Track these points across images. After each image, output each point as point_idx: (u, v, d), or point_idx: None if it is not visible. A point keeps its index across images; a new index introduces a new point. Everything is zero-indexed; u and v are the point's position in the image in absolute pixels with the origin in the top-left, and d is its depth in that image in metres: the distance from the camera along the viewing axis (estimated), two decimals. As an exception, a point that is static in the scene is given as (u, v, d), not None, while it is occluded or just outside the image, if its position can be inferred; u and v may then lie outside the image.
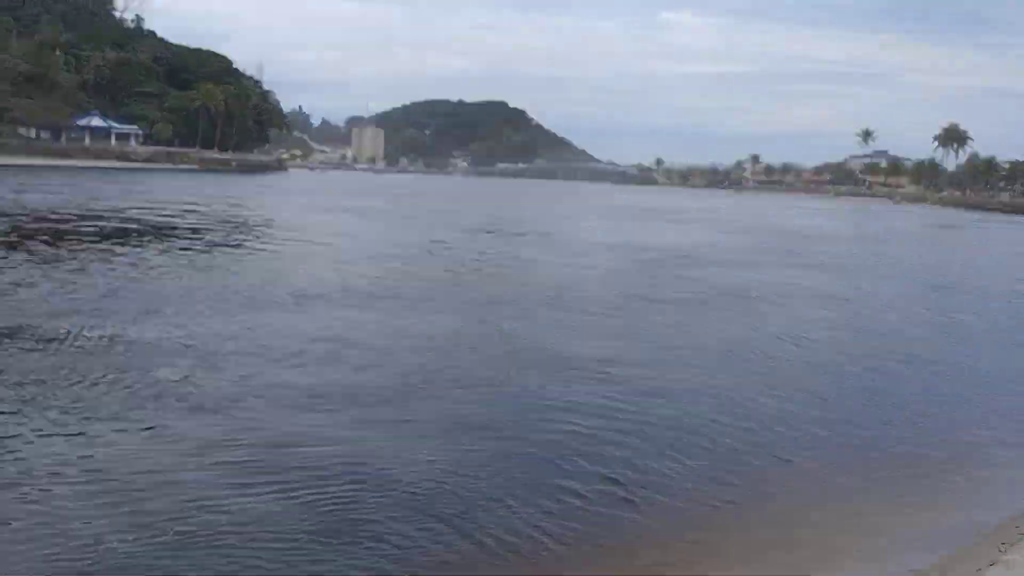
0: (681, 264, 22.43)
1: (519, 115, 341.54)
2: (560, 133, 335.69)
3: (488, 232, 31.80)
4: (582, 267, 20.56)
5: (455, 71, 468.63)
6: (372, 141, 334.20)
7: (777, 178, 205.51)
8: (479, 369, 9.60)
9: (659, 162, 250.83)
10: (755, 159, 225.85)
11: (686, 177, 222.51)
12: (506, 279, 17.53)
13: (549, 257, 22.64)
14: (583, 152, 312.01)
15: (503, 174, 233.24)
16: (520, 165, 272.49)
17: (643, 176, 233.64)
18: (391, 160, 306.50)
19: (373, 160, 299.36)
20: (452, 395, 8.49)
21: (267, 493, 5.98)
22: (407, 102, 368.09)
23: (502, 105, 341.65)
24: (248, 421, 7.34)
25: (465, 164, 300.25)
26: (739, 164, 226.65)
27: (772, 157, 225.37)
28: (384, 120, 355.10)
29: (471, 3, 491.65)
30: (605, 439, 7.62)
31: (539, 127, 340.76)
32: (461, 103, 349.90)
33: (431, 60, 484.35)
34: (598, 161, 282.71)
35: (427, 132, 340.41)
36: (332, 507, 5.89)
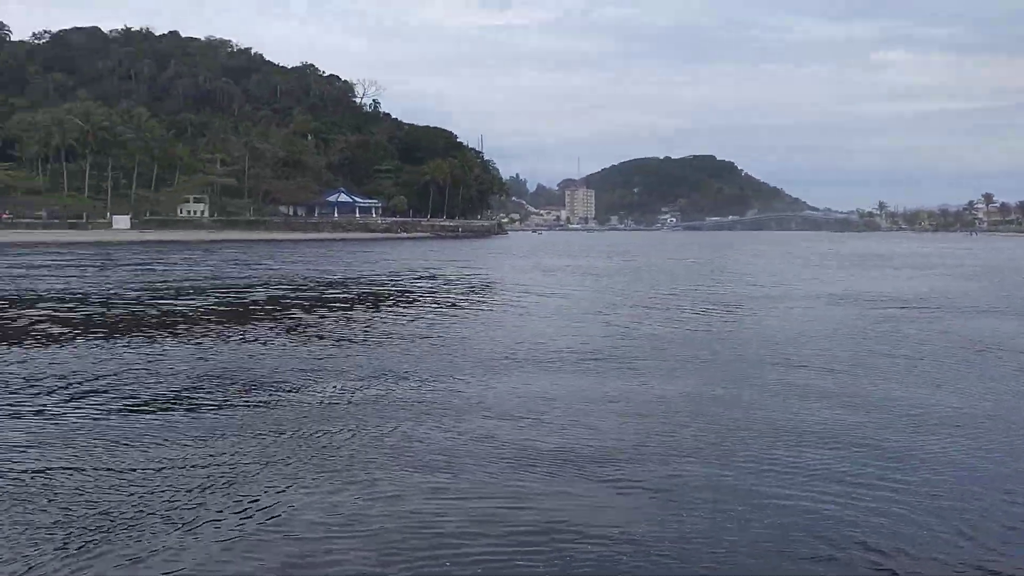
0: (925, 314, 19.56)
1: (728, 167, 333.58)
2: (772, 183, 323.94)
3: (701, 286, 29.97)
4: (808, 320, 18.39)
5: (660, 128, 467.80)
6: (584, 202, 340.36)
7: (1015, 217, 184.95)
8: (704, 433, 8.19)
9: (881, 206, 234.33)
10: (988, 198, 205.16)
11: (912, 221, 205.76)
12: (726, 336, 15.84)
13: (770, 310, 20.56)
14: (796, 201, 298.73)
15: (713, 227, 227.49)
16: (730, 218, 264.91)
17: (865, 222, 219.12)
18: (602, 219, 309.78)
19: (586, 220, 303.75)
20: (675, 459, 7.20)
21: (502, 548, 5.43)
22: (615, 162, 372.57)
23: (710, 159, 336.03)
24: (476, 478, 6.61)
25: (674, 219, 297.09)
26: (971, 205, 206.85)
27: (1007, 195, 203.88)
28: (594, 181, 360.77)
29: (665, 63, 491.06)
30: (853, 507, 6.16)
31: (749, 178, 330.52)
32: (668, 159, 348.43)
33: (635, 120, 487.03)
34: (814, 209, 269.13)
35: (635, 190, 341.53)
36: (569, 564, 5.21)
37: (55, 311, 19.21)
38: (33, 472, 6.81)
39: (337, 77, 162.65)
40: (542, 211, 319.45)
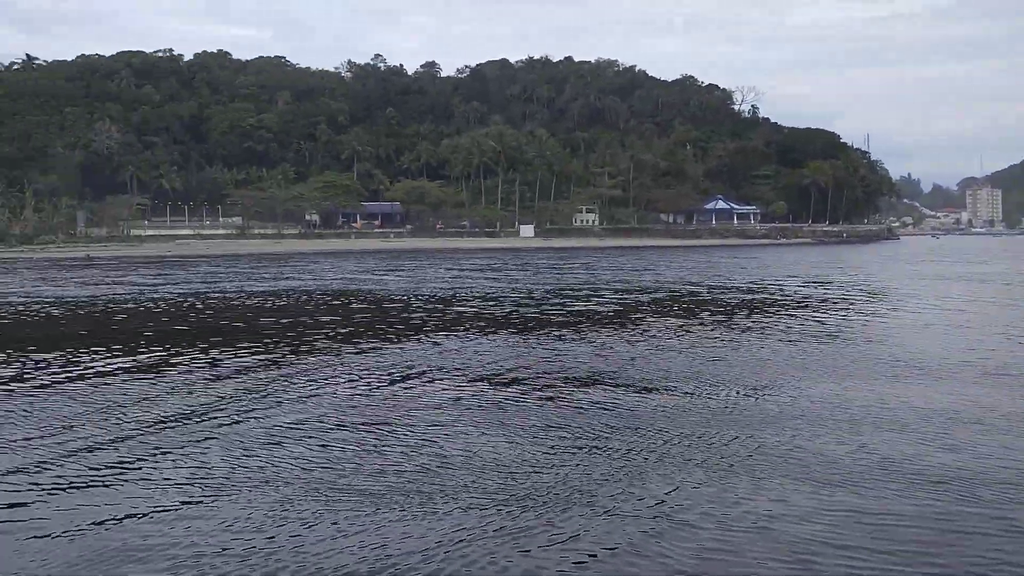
0: None
1: None
2: None
3: None
4: None
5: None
6: (988, 202, 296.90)
7: None
8: None
9: None
10: None
11: None
12: None
13: None
14: None
15: None
16: None
17: None
18: (1012, 220, 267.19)
19: (991, 222, 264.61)
20: None
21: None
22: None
23: None
24: (878, 495, 6.18)
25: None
26: None
27: None
28: (1000, 179, 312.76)
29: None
30: None
31: None
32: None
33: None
34: None
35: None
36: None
37: (480, 309, 21.77)
38: (456, 443, 7.84)
39: (716, 86, 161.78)
40: (938, 213, 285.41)
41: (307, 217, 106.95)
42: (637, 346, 14.51)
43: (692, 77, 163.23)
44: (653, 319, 19.07)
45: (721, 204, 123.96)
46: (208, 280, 34.01)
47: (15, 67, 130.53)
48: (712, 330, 16.79)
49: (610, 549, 5.45)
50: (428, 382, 11.18)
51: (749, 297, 25.48)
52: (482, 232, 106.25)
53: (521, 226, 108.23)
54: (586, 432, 8.45)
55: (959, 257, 60.70)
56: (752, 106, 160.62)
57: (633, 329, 16.96)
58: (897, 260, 55.06)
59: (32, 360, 13.13)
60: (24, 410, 9.48)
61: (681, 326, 17.48)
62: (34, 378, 11.54)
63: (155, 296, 26.00)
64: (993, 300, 24.88)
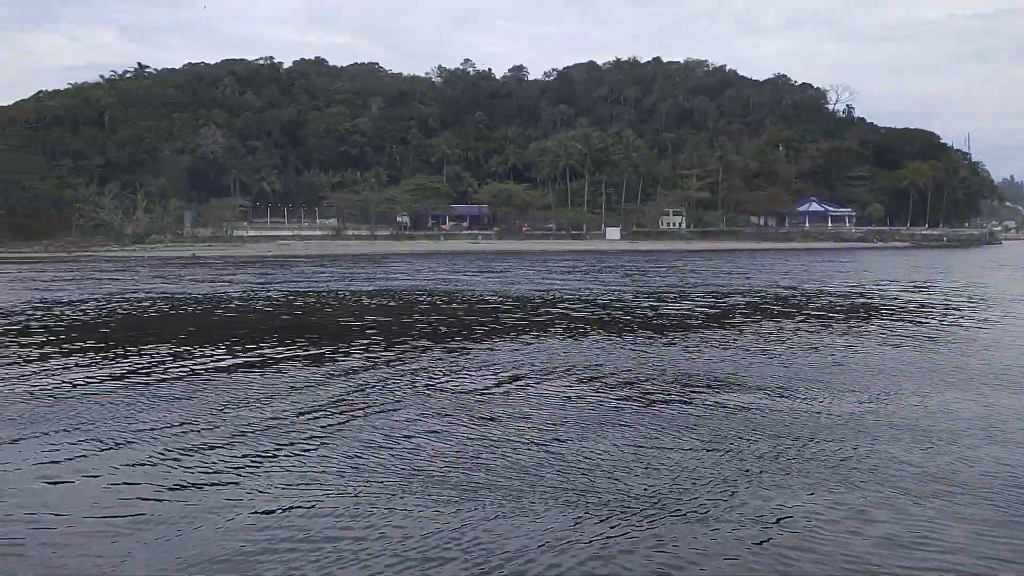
0: None
1: None
2: None
3: None
4: None
5: None
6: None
7: None
8: None
9: None
10: None
11: None
12: None
13: None
14: None
15: None
16: None
17: None
18: None
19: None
20: None
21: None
22: None
23: None
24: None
25: None
26: None
27: None
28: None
29: None
30: None
31: None
32: None
33: None
34: None
35: None
36: None
37: (570, 309, 21.93)
38: (551, 441, 8.02)
39: (809, 85, 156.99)
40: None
41: (398, 219, 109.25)
42: (735, 350, 14.41)
43: (784, 76, 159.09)
44: (750, 323, 18.84)
45: (814, 206, 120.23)
46: (310, 279, 35.28)
47: (128, 75, 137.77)
48: (814, 335, 16.49)
49: (704, 555, 5.54)
50: (530, 382, 11.43)
51: (848, 302, 24.82)
52: (568, 234, 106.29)
53: (607, 228, 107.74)
54: (688, 436, 8.52)
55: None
56: (847, 105, 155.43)
57: (730, 332, 16.81)
58: (1003, 266, 52.41)
59: (180, 351, 14.01)
60: (185, 396, 10.18)
61: (779, 330, 17.22)
62: (200, 368, 12.34)
63: (266, 294, 27.19)
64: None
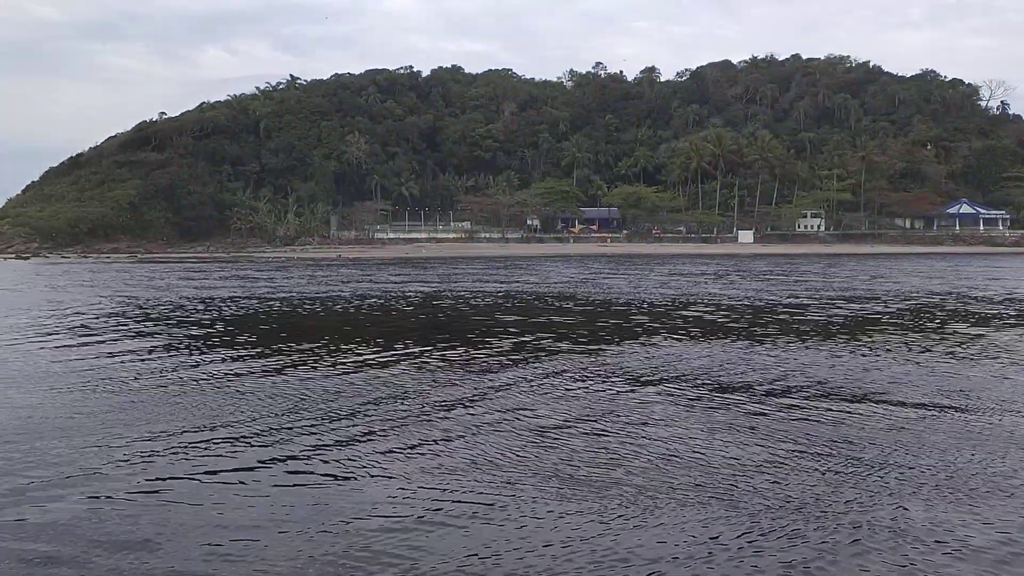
0: None
1: None
2: None
3: None
4: None
5: None
6: None
7: None
8: None
9: None
10: None
11: None
12: None
13: None
14: None
15: None
16: None
17: None
18: None
19: None
20: None
21: None
22: None
23: None
24: None
25: None
26: None
27: None
28: None
29: None
30: None
31: None
32: None
33: None
34: None
35: None
36: None
37: (707, 314, 21.60)
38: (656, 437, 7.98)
39: (961, 81, 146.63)
40: None
41: (528, 221, 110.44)
42: (878, 359, 13.83)
43: (934, 71, 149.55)
44: (893, 331, 17.98)
45: (965, 208, 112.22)
46: (448, 280, 36.37)
47: (280, 87, 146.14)
48: (962, 347, 15.57)
49: (813, 559, 5.48)
50: (660, 384, 11.44)
51: (1004, 311, 23.16)
52: (699, 238, 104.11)
53: (739, 231, 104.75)
54: (817, 443, 8.32)
55: None
56: (1002, 102, 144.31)
57: (872, 341, 16.12)
58: None
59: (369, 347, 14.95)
60: (351, 387, 10.90)
61: (922, 342, 16.35)
62: (396, 361, 13.18)
63: (406, 293, 28.32)
64: None
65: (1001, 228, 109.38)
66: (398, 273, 42.53)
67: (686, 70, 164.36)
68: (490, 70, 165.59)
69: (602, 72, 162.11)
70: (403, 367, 12.98)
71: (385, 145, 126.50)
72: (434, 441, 8.45)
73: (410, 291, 29.86)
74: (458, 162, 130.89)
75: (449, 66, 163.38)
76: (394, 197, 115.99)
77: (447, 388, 11.19)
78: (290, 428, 8.99)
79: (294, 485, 7.06)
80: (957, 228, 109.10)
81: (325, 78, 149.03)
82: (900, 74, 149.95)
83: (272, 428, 8.98)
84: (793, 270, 47.36)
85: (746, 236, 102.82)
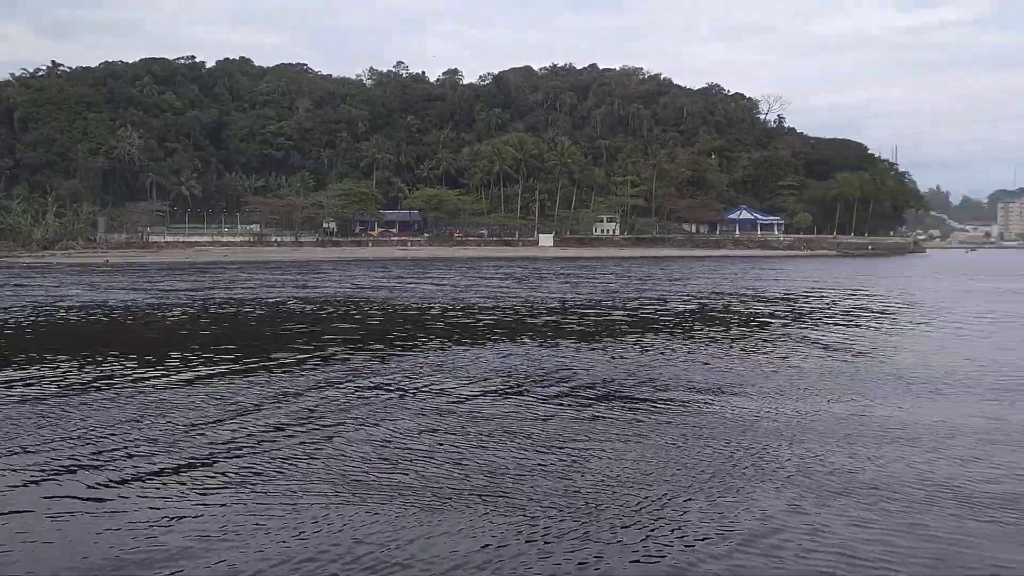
0: None
1: None
2: None
3: None
4: None
5: None
6: (1020, 216, 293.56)
7: None
8: None
9: None
10: None
11: None
12: None
13: None
14: None
15: None
16: None
17: None
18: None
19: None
20: None
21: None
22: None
23: None
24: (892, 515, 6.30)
25: None
26: None
27: None
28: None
29: None
30: None
31: None
32: None
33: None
34: None
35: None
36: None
37: (513, 317, 22.08)
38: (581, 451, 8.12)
39: (742, 95, 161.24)
40: (967, 226, 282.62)
41: (324, 225, 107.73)
42: (664, 355, 14.75)
43: (718, 85, 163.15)
44: (679, 331, 19.30)
45: (745, 214, 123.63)
46: (232, 286, 34.55)
47: (40, 73, 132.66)
48: (751, 340, 17.00)
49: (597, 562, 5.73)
50: (454, 389, 11.49)
51: (772, 308, 25.62)
52: (500, 241, 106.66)
53: (540, 235, 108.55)
54: (610, 440, 8.70)
55: (989, 272, 60.27)
56: (778, 116, 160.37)
57: (658, 339, 17.19)
58: (928, 275, 54.70)
59: (136, 363, 13.58)
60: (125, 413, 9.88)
61: (706, 338, 17.69)
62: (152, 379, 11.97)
63: (175, 303, 26.54)
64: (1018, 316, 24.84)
65: (776, 233, 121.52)
66: (175, 279, 39.90)
67: (489, 74, 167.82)
68: (283, 64, 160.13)
69: (404, 72, 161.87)
70: (173, 380, 12.12)
71: (163, 141, 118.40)
72: (210, 458, 7.92)
73: (187, 298, 28.08)
74: (246, 160, 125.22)
75: (237, 58, 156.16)
76: (173, 197, 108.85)
77: (222, 401, 10.57)
78: (49, 452, 8.07)
79: (56, 513, 6.33)
80: (737, 232, 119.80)
81: (93, 66, 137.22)
82: (688, 87, 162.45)
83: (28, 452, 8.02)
84: (592, 272, 49.70)
85: (546, 239, 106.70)
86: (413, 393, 11.25)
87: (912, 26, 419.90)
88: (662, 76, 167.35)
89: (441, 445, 8.45)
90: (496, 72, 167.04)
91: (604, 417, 9.88)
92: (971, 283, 43.72)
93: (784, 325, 20.99)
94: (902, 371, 13.44)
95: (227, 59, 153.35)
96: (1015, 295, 34.17)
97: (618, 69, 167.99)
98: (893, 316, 24.12)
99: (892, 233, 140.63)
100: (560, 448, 8.37)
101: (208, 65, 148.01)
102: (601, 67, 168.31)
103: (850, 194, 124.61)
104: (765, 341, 17.34)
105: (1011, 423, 9.78)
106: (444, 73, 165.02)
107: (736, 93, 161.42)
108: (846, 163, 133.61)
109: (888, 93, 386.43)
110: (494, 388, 11.68)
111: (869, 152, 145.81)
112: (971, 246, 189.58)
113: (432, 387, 11.69)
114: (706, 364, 14.05)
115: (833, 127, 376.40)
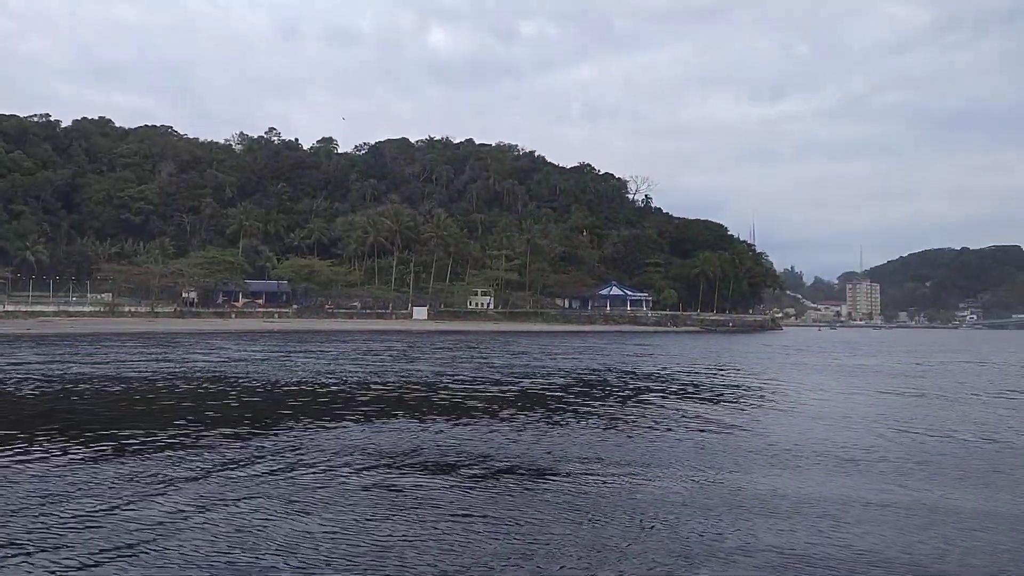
0: None
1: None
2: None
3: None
4: None
5: (951, 218, 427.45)
6: (867, 296, 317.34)
7: None
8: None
9: None
10: None
11: None
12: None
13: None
14: None
15: (1021, 326, 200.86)
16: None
17: None
18: (888, 315, 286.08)
19: (869, 315, 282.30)
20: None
21: None
22: (903, 254, 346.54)
23: (1015, 249, 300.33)
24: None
25: (974, 316, 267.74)
26: None
27: None
28: (879, 274, 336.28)
29: (963, 147, 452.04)
30: None
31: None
32: (965, 251, 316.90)
33: (924, 209, 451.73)
34: None
35: (927, 284, 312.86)
36: None
37: (397, 393, 21.55)
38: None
39: (612, 175, 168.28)
40: (819, 306, 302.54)
41: (184, 294, 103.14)
42: (540, 429, 14.73)
43: (589, 164, 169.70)
44: (558, 406, 19.39)
45: (615, 290, 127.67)
46: (68, 360, 32.28)
47: None
48: (627, 416, 17.22)
49: None
50: (319, 471, 11.00)
51: (646, 384, 26.25)
52: (374, 313, 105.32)
53: (414, 308, 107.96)
54: (480, 514, 8.50)
55: (839, 349, 64.35)
56: (646, 195, 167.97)
57: (538, 413, 17.19)
58: (786, 351, 57.79)
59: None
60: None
61: (590, 413, 17.84)
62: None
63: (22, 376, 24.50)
64: (875, 391, 26.50)
65: (644, 309, 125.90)
66: (28, 351, 36.96)
67: (365, 144, 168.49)
68: (145, 126, 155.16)
69: (276, 138, 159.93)
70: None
71: (8, 202, 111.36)
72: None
73: (26, 372, 25.98)
74: (101, 225, 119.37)
75: (96, 118, 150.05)
76: (16, 263, 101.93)
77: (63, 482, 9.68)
78: None
79: None
80: (608, 308, 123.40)
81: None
82: (562, 164, 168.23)
83: None
84: (468, 347, 49.61)
85: (420, 312, 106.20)
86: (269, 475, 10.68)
87: (766, 117, 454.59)
88: (536, 153, 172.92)
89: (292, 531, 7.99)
90: (372, 143, 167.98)
91: (485, 490, 9.66)
92: (824, 359, 46.54)
93: (663, 397, 21.49)
94: (765, 446, 13.94)
95: (85, 118, 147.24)
96: (863, 370, 36.56)
97: (494, 144, 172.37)
98: (759, 392, 25.18)
99: (751, 311, 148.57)
100: (435, 524, 8.08)
101: (64, 124, 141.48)
102: (478, 142, 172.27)
103: (711, 272, 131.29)
104: (640, 416, 17.64)
105: (857, 496, 10.24)
106: (319, 141, 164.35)
107: (606, 173, 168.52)
108: (708, 243, 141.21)
109: (744, 177, 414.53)
110: (366, 465, 11.26)
111: (728, 232, 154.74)
112: (823, 324, 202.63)
113: (305, 465, 11.14)
114: (583, 439, 14.11)
115: (697, 208, 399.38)
